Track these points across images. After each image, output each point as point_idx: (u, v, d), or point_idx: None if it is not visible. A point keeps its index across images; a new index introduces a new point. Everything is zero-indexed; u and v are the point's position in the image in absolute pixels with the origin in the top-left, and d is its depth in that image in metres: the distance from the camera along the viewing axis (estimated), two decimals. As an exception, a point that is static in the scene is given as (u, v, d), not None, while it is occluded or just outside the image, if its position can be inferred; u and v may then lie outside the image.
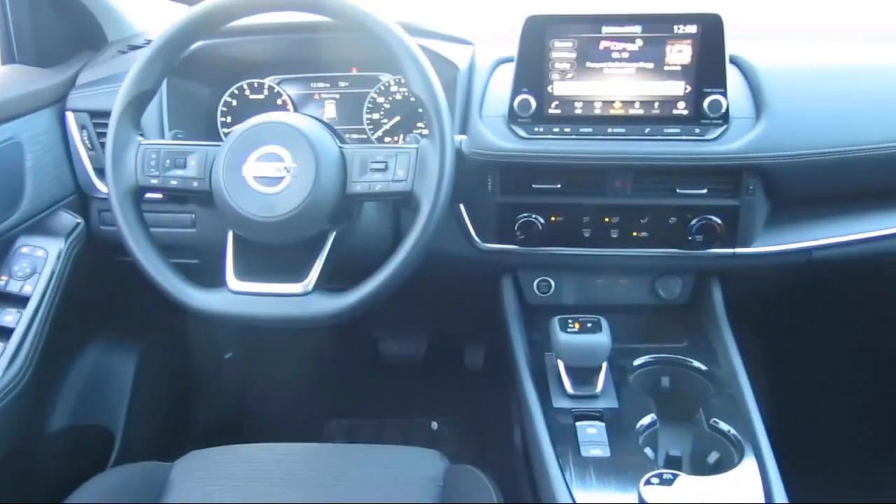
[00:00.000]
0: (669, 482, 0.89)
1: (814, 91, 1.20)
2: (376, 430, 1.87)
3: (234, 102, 1.35)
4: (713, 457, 1.02)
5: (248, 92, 1.35)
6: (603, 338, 1.07)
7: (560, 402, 1.09)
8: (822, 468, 1.40)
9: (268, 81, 1.35)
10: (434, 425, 1.86)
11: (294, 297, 1.00)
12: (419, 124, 1.33)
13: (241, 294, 1.01)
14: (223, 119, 1.36)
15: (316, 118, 1.06)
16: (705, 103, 1.13)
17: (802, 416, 1.54)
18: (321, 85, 1.36)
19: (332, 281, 1.02)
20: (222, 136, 1.35)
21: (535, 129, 1.16)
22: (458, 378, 1.86)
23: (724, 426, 1.03)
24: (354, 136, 1.35)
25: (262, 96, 1.35)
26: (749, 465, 0.97)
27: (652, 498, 0.87)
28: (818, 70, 1.24)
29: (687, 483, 0.88)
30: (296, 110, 1.35)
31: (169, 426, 1.65)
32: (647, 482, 0.89)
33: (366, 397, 1.87)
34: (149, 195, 1.06)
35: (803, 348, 1.67)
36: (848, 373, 1.67)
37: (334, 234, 1.03)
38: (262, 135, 1.01)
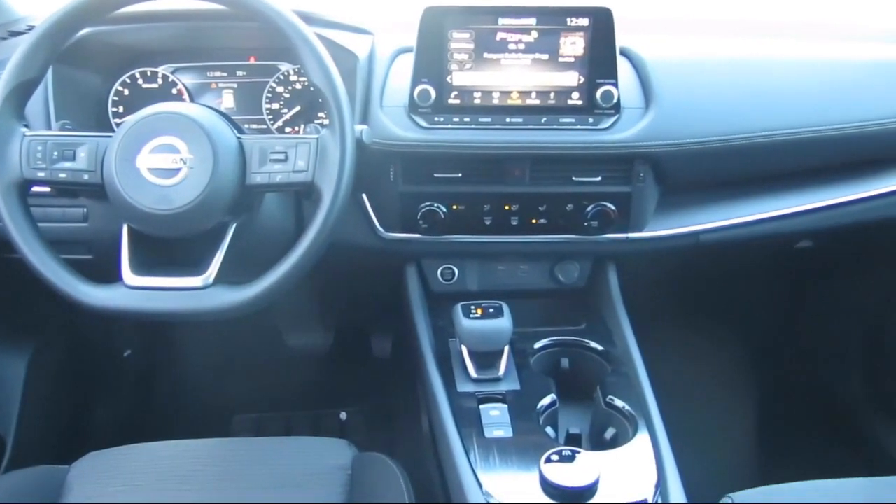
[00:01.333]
0: (569, 459, 0.92)
1: (699, 82, 1.26)
2: (284, 423, 1.85)
3: (127, 92, 1.31)
4: (610, 432, 1.07)
5: (140, 81, 1.31)
6: (504, 322, 1.10)
7: (464, 387, 1.11)
8: (711, 438, 1.48)
9: (162, 70, 1.31)
10: (343, 416, 1.86)
11: (194, 290, 0.98)
12: (320, 114, 1.32)
13: (137, 289, 0.98)
14: (115, 109, 1.31)
15: (213, 108, 1.04)
16: (598, 94, 1.17)
17: (692, 390, 1.62)
18: (218, 74, 1.33)
19: (235, 274, 1.01)
20: (114, 126, 1.30)
21: (436, 119, 1.18)
22: (365, 368, 1.87)
23: (619, 403, 1.08)
24: (254, 126, 1.33)
25: (155, 85, 1.31)
26: (642, 438, 1.02)
27: (552, 474, 0.90)
28: (704, 62, 1.30)
29: (585, 458, 0.92)
30: (192, 100, 1.32)
31: (66, 428, 1.59)
32: (548, 460, 0.92)
33: (273, 390, 1.85)
34: (36, 189, 1.02)
35: (693, 327, 1.76)
36: (734, 348, 1.78)
37: (234, 226, 1.02)
38: (156, 125, 0.98)
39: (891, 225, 1.33)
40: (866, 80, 1.30)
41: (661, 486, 0.95)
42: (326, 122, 1.01)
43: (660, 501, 0.94)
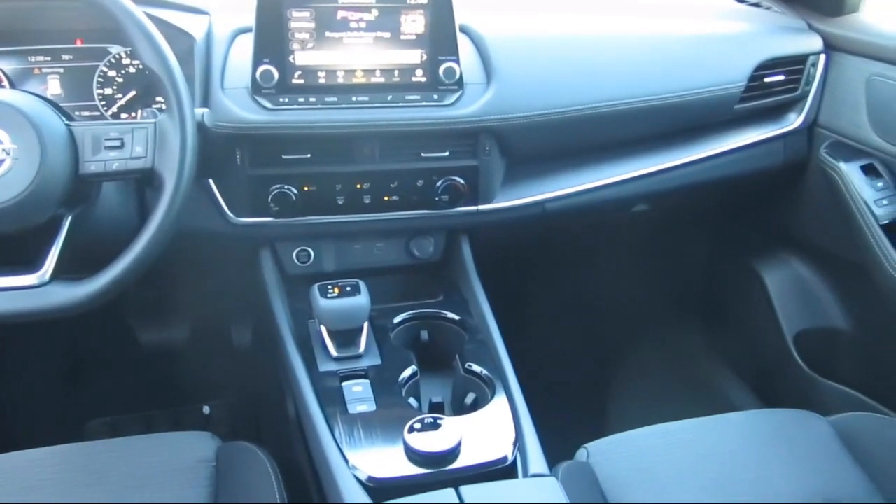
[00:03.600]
0: (432, 426, 0.96)
1: (536, 58, 1.31)
2: (143, 423, 1.78)
3: (-63, 80, 1.20)
4: (470, 398, 1.11)
5: (-48, 68, 1.20)
6: (362, 300, 1.11)
7: (326, 366, 1.12)
8: (561, 395, 1.56)
9: (-25, 56, 1.21)
10: (206, 410, 1.81)
11: (28, 289, 0.92)
12: (158, 98, 1.27)
13: None
14: None
15: (36, 94, 0.98)
16: (441, 70, 1.19)
17: (542, 352, 1.70)
18: (41, 58, 1.24)
19: (76, 269, 0.96)
20: None
21: (281, 100, 1.16)
22: (227, 359, 1.82)
23: (477, 369, 1.12)
24: (85, 113, 1.26)
25: None
26: (500, 400, 1.07)
27: (416, 442, 0.93)
28: (540, 39, 1.35)
29: (447, 424, 0.96)
30: (13, 87, 1.23)
31: None
32: (411, 429, 0.95)
33: (129, 391, 1.77)
34: None
35: (541, 292, 1.84)
36: (586, 308, 1.88)
37: (70, 218, 0.97)
38: None
39: (710, 186, 1.46)
40: (688, 54, 1.40)
41: (519, 442, 1.00)
42: (164, 106, 0.97)
43: (518, 457, 0.98)
